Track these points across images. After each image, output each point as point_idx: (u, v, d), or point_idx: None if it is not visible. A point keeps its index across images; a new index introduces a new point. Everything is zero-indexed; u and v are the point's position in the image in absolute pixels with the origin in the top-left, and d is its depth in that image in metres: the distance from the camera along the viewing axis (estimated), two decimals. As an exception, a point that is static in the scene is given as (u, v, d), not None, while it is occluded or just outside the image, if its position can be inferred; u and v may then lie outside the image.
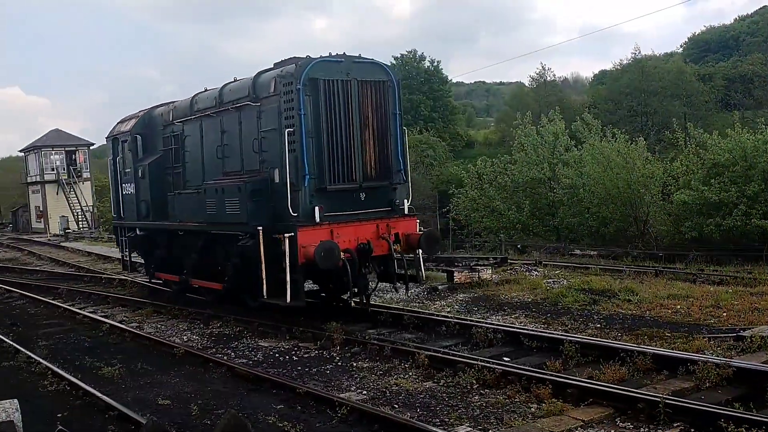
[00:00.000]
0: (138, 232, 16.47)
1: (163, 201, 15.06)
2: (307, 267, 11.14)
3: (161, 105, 16.23)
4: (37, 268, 24.48)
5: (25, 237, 45.93)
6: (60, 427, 4.65)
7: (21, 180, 61.22)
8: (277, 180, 11.70)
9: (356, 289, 11.78)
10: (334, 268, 11.06)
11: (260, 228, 11.27)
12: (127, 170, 16.40)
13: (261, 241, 11.21)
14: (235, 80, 13.37)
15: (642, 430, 6.77)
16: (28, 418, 7.90)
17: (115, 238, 18.88)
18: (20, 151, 64.06)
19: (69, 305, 15.82)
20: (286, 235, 10.90)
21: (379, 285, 13.11)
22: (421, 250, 12.40)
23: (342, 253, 11.00)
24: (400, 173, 12.46)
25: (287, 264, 10.83)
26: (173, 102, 15.68)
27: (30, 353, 10.70)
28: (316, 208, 11.30)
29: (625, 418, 7.07)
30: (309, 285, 13.20)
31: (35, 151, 56.34)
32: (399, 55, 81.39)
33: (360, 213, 11.89)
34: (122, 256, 17.90)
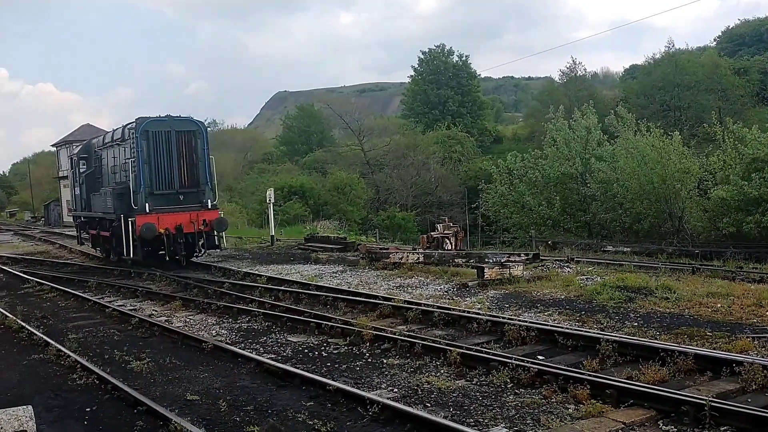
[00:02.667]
0: (82, 219, 25.11)
1: (89, 199, 23.69)
2: (141, 238, 18.90)
3: (97, 136, 24.95)
4: (68, 262, 24.64)
5: (56, 230, 46.44)
6: None
7: (53, 174, 61.96)
8: (131, 188, 19.48)
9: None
10: (155, 238, 19.06)
11: (122, 215, 19.42)
12: (76, 179, 25.17)
13: (122, 223, 19.34)
14: (121, 126, 21.23)
15: (686, 433, 6.49)
16: (58, 413, 7.87)
17: (76, 223, 27.37)
18: (52, 145, 64.93)
19: (98, 298, 15.85)
20: (130, 219, 19.05)
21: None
22: (215, 230, 20.28)
23: (163, 230, 19.01)
24: (207, 184, 20.39)
25: (131, 236, 18.99)
26: (101, 135, 24.31)
27: (60, 346, 10.65)
28: (147, 204, 19.24)
29: (668, 420, 6.79)
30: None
31: (66, 145, 56.94)
32: (426, 50, 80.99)
33: (178, 207, 19.80)
34: (77, 233, 26.84)
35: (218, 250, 21.55)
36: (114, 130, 21.97)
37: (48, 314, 14.29)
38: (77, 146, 26.41)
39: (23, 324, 12.60)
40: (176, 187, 19.88)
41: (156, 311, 14.37)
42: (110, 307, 14.40)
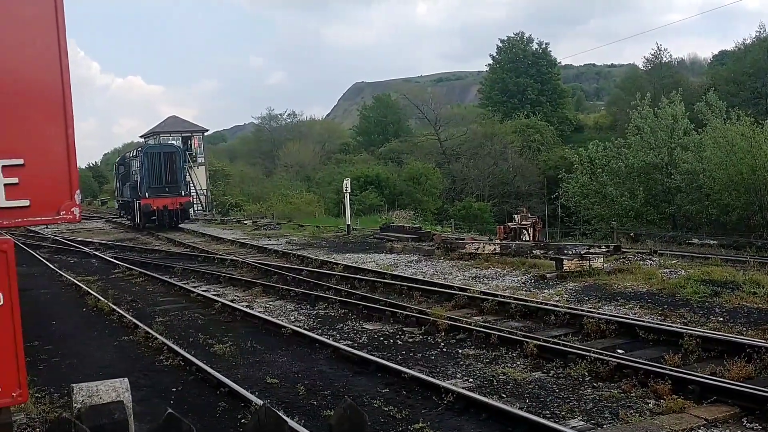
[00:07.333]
0: (120, 201, 42.66)
1: (122, 190, 40.27)
2: (142, 212, 33.40)
3: (129, 151, 42.50)
4: (156, 248, 25.63)
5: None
6: (169, 411, 4.60)
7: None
8: (138, 184, 34.35)
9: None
10: (151, 212, 33.19)
11: (134, 199, 35.05)
12: (118, 177, 42.24)
13: (134, 204, 34.86)
14: (135, 149, 40.28)
15: (773, 433, 6.27)
16: (146, 392, 8.26)
17: (118, 205, 46.52)
18: (141, 136, 67.50)
19: (184, 284, 16.43)
20: (138, 201, 34.06)
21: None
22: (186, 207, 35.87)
23: (155, 208, 33.03)
24: (182, 181, 35.10)
25: (138, 210, 34.00)
26: (130, 150, 42.31)
27: (148, 329, 11.10)
28: (147, 192, 33.44)
29: (752, 418, 6.57)
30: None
31: (154, 136, 59.12)
32: (505, 38, 79.83)
33: (164, 195, 33.51)
34: (119, 211, 43.88)
35: (189, 219, 36.49)
36: (134, 150, 39.35)
37: (137, 298, 14.91)
38: (119, 156, 50.35)
39: (114, 307, 13.19)
40: (163, 184, 33.88)
41: (238, 296, 14.80)
42: (195, 292, 14.92)
